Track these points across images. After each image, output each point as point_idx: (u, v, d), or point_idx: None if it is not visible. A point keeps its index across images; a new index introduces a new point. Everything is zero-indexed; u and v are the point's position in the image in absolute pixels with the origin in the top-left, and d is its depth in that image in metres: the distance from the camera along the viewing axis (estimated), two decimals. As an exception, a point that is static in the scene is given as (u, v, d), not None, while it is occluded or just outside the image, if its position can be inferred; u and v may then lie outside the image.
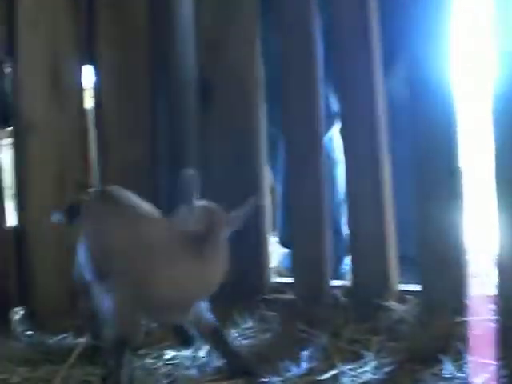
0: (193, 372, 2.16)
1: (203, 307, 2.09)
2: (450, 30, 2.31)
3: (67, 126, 2.66)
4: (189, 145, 2.71)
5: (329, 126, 2.67)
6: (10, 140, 2.75)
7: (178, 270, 1.94)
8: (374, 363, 2.12)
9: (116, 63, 2.71)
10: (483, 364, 2.02)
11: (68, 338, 2.46)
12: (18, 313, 2.64)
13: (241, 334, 2.36)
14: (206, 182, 2.52)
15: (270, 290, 2.57)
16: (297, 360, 2.15)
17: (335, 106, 2.64)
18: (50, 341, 2.44)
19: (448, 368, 2.05)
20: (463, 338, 2.11)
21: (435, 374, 2.05)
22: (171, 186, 2.68)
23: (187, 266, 1.93)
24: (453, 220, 2.29)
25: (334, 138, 2.78)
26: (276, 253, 2.96)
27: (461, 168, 2.30)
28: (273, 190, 2.98)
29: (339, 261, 2.75)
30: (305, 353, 2.18)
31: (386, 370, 2.09)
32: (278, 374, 2.09)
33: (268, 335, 2.37)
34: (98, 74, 2.74)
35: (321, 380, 2.06)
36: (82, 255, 2.21)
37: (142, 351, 2.23)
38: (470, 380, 2.00)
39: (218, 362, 2.16)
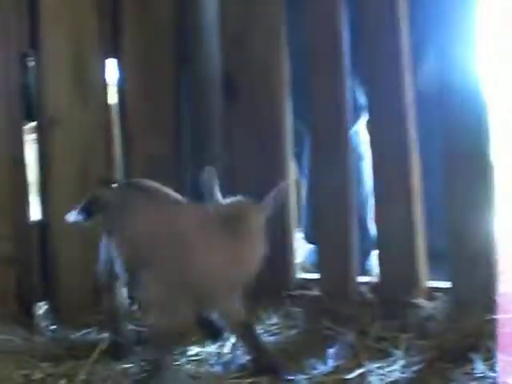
0: (217, 369, 2.09)
1: (236, 300, 2.01)
2: (479, 21, 2.22)
3: (91, 120, 2.62)
4: (213, 141, 2.65)
5: (355, 119, 2.58)
6: (33, 135, 2.70)
7: (216, 254, 1.87)
8: (402, 362, 2.03)
9: (140, 58, 2.67)
10: (514, 363, 1.92)
11: (91, 333, 2.41)
12: (41, 307, 2.60)
13: (266, 331, 2.29)
14: (231, 177, 2.47)
15: (295, 286, 2.51)
16: (323, 358, 2.08)
17: (362, 99, 2.56)
18: (74, 336, 2.39)
19: (479, 367, 1.96)
20: (494, 336, 2.01)
21: (466, 373, 1.96)
22: (195, 181, 2.62)
23: (225, 251, 1.87)
24: (483, 217, 2.21)
25: (360, 132, 2.70)
26: (301, 249, 2.88)
27: (492, 164, 2.21)
28: (298, 186, 2.91)
29: (365, 256, 2.66)
30: (331, 350, 2.11)
31: (415, 368, 2.00)
32: (303, 371, 2.02)
33: (293, 332, 2.30)
34: (122, 69, 2.70)
35: (348, 379, 1.98)
36: (104, 252, 2.14)
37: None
38: (501, 379, 1.90)
39: (242, 358, 2.09)
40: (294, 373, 2.00)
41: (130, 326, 2.29)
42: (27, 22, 2.57)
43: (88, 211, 2.22)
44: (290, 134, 2.54)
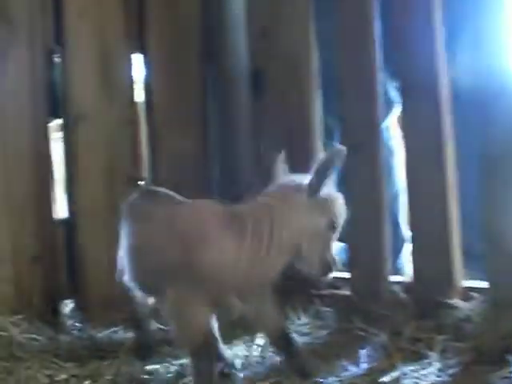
0: (246, 372, 1.98)
1: (271, 306, 1.90)
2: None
3: (117, 117, 2.55)
4: (241, 138, 2.55)
5: (386, 114, 2.46)
6: (60, 134, 2.62)
7: (228, 254, 1.77)
8: (437, 364, 1.92)
9: (167, 56, 2.59)
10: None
11: (118, 332, 2.33)
12: (67, 305, 2.53)
13: (295, 331, 2.17)
14: (260, 175, 2.36)
15: (324, 285, 2.38)
16: (354, 359, 1.97)
17: (393, 93, 2.43)
18: (100, 334, 2.31)
19: (518, 370, 1.83)
20: (532, 338, 1.89)
21: (505, 377, 1.84)
22: (223, 177, 2.52)
23: (237, 250, 1.77)
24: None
25: (391, 127, 2.57)
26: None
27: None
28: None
29: (396, 254, 2.54)
30: (363, 352, 2.00)
31: (451, 371, 1.88)
32: (334, 373, 1.91)
33: (324, 332, 2.19)
34: (148, 66, 2.62)
35: (381, 381, 1.86)
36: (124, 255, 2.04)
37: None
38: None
39: (271, 360, 1.98)
40: (325, 375, 1.89)
41: (156, 325, 2.19)
42: (53, 18, 2.51)
43: None
44: (319, 129, 2.44)
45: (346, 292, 2.34)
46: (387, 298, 2.25)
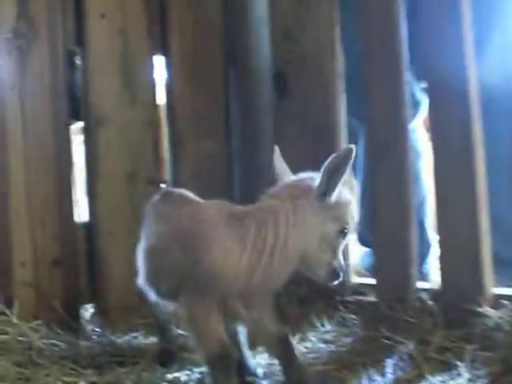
0: (268, 381, 1.90)
1: (268, 315, 1.81)
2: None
3: (139, 119, 2.51)
4: (264, 139, 2.47)
5: (412, 115, 2.36)
6: (81, 137, 2.56)
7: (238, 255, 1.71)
8: (466, 375, 1.83)
9: (189, 57, 2.54)
10: None
11: (138, 338, 2.27)
12: (88, 310, 2.47)
13: (319, 338, 2.10)
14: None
15: (349, 292, 2.30)
16: (381, 368, 1.89)
17: (419, 94, 2.33)
18: (120, 340, 2.25)
19: (550, 382, 1.73)
20: None
21: (537, 389, 1.74)
22: (245, 178, 2.45)
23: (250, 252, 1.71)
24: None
25: (418, 129, 2.47)
26: (355, 252, 2.68)
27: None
28: (352, 186, 2.70)
29: (422, 260, 2.44)
30: (389, 361, 1.91)
31: (481, 382, 1.79)
32: (360, 382, 1.84)
33: (349, 340, 2.11)
34: (170, 68, 2.57)
35: (408, 392, 1.79)
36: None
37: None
38: None
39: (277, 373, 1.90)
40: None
41: (178, 332, 2.12)
42: (74, 19, 2.47)
43: None
44: (344, 131, 2.37)
45: (372, 298, 2.25)
46: (414, 305, 2.15)
